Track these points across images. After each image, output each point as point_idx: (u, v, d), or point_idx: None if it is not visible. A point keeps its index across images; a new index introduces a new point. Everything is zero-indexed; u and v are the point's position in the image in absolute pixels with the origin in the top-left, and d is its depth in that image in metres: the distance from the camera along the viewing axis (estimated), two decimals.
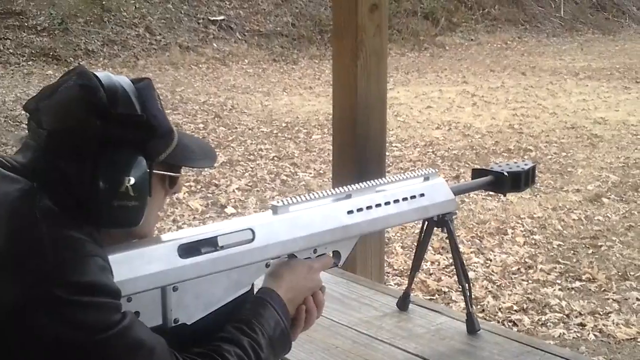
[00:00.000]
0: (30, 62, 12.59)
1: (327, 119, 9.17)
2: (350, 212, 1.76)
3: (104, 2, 14.42)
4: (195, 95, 11.04)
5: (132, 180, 1.31)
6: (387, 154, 7.95)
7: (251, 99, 11.02)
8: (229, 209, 6.05)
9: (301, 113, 10.06)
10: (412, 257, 2.37)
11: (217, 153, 7.71)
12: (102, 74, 1.35)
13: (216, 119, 9.59)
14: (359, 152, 3.10)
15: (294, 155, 7.87)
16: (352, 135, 3.11)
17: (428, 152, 8.11)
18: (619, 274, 4.80)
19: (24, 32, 13.28)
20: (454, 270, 2.26)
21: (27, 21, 13.49)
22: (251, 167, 7.35)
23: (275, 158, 7.73)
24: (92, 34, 13.82)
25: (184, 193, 6.33)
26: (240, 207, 6.12)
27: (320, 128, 9.06)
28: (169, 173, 1.45)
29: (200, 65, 13.89)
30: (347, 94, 3.11)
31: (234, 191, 6.53)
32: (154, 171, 1.38)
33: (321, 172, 7.18)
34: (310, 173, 7.22)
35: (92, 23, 14.01)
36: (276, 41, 15.77)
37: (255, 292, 1.58)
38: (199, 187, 6.58)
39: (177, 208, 5.98)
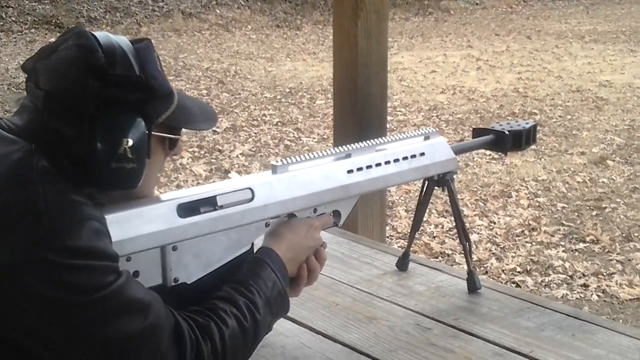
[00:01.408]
0: (32, 30, 12.54)
1: (330, 84, 9.10)
2: (350, 171, 1.75)
3: None
4: (198, 62, 10.99)
5: (131, 142, 1.29)
6: (391, 118, 7.96)
7: (254, 65, 10.97)
8: (233, 174, 6.05)
9: (305, 78, 10.01)
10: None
11: (221, 119, 7.76)
12: (101, 34, 1.33)
13: (219, 85, 9.55)
14: (359, 112, 3.09)
15: (298, 120, 7.85)
16: (353, 96, 3.09)
17: (432, 116, 8.08)
18: (623, 235, 4.79)
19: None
20: (462, 227, 2.26)
21: None
22: (255, 133, 7.34)
23: (279, 123, 7.71)
24: (94, 1, 13.75)
25: (188, 158, 6.33)
26: (244, 172, 6.12)
27: (324, 93, 9.02)
28: (168, 135, 1.43)
29: (203, 32, 13.82)
30: (347, 54, 3.09)
31: (237, 156, 6.53)
32: (153, 133, 1.36)
33: (325, 136, 7.16)
34: (314, 138, 7.21)
35: None
36: (279, 7, 15.66)
37: (255, 252, 1.58)
38: (202, 152, 6.58)
39: (180, 173, 5.99)
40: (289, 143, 7.02)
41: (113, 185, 1.33)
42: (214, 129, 7.18)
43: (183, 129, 1.48)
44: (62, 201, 1.22)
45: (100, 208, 1.31)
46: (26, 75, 1.35)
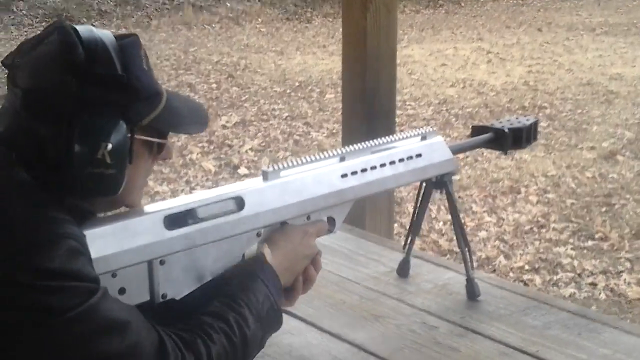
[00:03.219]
0: (43, 24, 12.54)
1: (340, 78, 9.10)
2: (344, 175, 1.70)
3: None
4: (208, 55, 10.99)
5: (110, 146, 1.23)
6: (400, 112, 7.92)
7: (264, 59, 10.97)
8: (242, 170, 6.06)
9: (314, 72, 10.00)
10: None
11: (230, 113, 7.75)
12: (84, 29, 1.27)
13: (229, 78, 9.55)
14: (368, 105, 3.09)
15: (307, 114, 7.84)
16: (362, 89, 3.10)
17: (442, 110, 8.06)
18: (632, 232, 4.77)
19: None
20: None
21: None
22: (264, 127, 7.34)
23: (288, 118, 7.71)
24: None
25: (197, 154, 6.34)
26: (253, 168, 6.12)
27: (334, 87, 9.00)
28: (154, 139, 1.36)
29: (214, 25, 13.81)
30: (356, 47, 3.09)
31: (247, 151, 6.53)
32: (137, 136, 1.29)
33: (334, 131, 7.15)
34: (324, 133, 7.20)
35: None
36: (289, 0, 15.63)
37: (247, 263, 1.52)
38: (211, 147, 6.58)
39: (190, 169, 6.00)
40: (298, 138, 7.02)
41: (90, 191, 1.26)
42: (224, 124, 7.19)
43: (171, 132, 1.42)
44: (38, 218, 1.17)
45: (85, 220, 1.28)
46: (6, 72, 1.29)
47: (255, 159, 6.37)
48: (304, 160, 1.65)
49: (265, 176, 1.57)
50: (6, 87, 1.30)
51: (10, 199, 1.18)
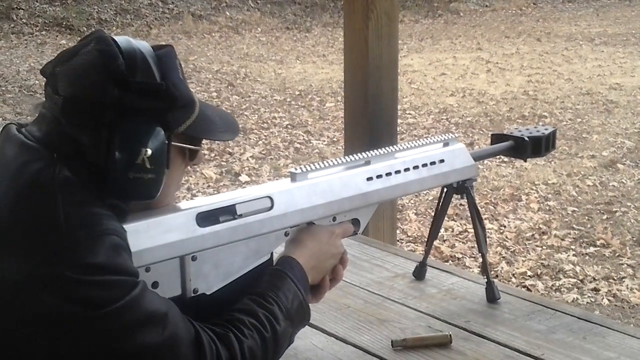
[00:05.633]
0: (43, 32, 12.59)
1: (340, 86, 9.14)
2: (369, 179, 1.75)
3: None
4: (208, 64, 11.02)
5: (149, 152, 1.26)
6: (400, 121, 7.94)
7: (264, 67, 10.99)
8: (243, 177, 6.07)
9: (314, 81, 10.03)
10: (428, 224, 2.36)
11: None
12: (122, 39, 1.30)
13: (229, 87, 9.57)
14: (370, 114, 3.09)
15: (308, 123, 7.86)
16: (364, 97, 3.10)
17: (442, 119, 8.08)
18: (634, 239, 4.78)
19: (36, 1, 13.28)
20: (470, 237, 2.24)
21: None
22: (265, 135, 7.36)
23: (289, 126, 7.73)
24: (104, 3, 13.79)
25: None
26: (254, 175, 6.14)
27: (334, 96, 9.03)
28: (189, 145, 1.40)
29: (213, 34, 13.85)
30: (358, 56, 3.10)
31: (247, 159, 6.54)
32: (173, 143, 1.33)
33: (334, 139, 7.17)
34: (324, 141, 7.22)
35: None
36: (289, 9, 15.68)
37: (276, 260, 1.57)
38: (213, 155, 6.59)
39: (191, 176, 6.00)
40: (298, 146, 7.04)
41: (130, 195, 1.30)
42: None
43: (204, 139, 1.45)
44: (82, 215, 1.20)
45: (123, 218, 1.30)
46: (45, 80, 1.32)
47: (256, 166, 6.37)
48: (331, 163, 1.69)
49: (294, 178, 1.62)
50: (44, 96, 1.32)
51: (53, 198, 1.20)
